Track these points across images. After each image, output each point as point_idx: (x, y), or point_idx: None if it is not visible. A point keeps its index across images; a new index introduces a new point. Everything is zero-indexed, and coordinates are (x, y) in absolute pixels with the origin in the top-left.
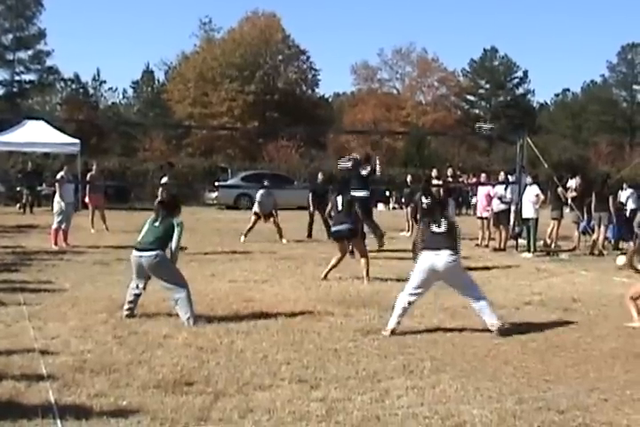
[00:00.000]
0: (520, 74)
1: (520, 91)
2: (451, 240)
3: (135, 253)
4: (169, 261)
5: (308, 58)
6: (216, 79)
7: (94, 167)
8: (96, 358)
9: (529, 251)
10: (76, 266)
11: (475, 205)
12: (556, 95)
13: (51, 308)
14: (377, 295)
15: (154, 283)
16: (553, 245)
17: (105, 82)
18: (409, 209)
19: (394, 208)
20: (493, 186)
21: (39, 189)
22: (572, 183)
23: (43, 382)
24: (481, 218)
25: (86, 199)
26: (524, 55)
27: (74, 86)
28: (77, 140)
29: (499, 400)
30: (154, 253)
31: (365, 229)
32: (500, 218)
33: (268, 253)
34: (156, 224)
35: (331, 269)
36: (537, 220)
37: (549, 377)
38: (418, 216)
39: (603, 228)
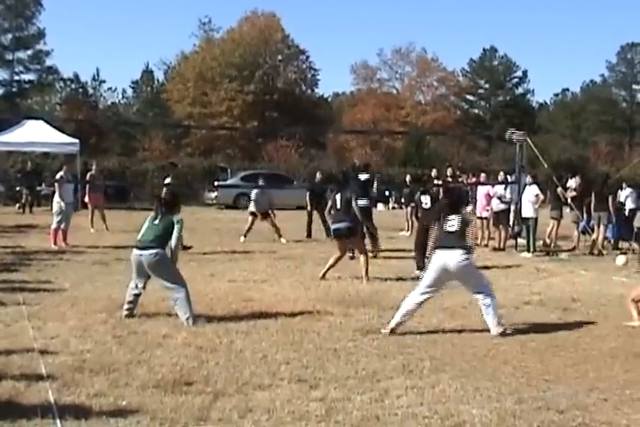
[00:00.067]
0: (519, 74)
1: (519, 90)
2: (463, 239)
3: (135, 251)
4: (169, 260)
5: (308, 58)
6: (215, 79)
7: (94, 167)
8: (95, 357)
9: (528, 251)
10: (76, 266)
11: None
12: (556, 95)
13: (50, 308)
14: (376, 295)
15: (153, 283)
16: (552, 245)
17: (104, 82)
18: (408, 209)
19: (393, 208)
20: (493, 186)
21: (38, 188)
22: (572, 183)
23: (42, 381)
24: (480, 218)
25: (86, 199)
26: (524, 55)
27: (73, 86)
28: (77, 140)
29: (498, 400)
30: (154, 251)
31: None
32: (500, 218)
33: (267, 253)
34: (156, 222)
35: (329, 269)
36: (536, 219)
37: (549, 377)
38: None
39: (602, 227)
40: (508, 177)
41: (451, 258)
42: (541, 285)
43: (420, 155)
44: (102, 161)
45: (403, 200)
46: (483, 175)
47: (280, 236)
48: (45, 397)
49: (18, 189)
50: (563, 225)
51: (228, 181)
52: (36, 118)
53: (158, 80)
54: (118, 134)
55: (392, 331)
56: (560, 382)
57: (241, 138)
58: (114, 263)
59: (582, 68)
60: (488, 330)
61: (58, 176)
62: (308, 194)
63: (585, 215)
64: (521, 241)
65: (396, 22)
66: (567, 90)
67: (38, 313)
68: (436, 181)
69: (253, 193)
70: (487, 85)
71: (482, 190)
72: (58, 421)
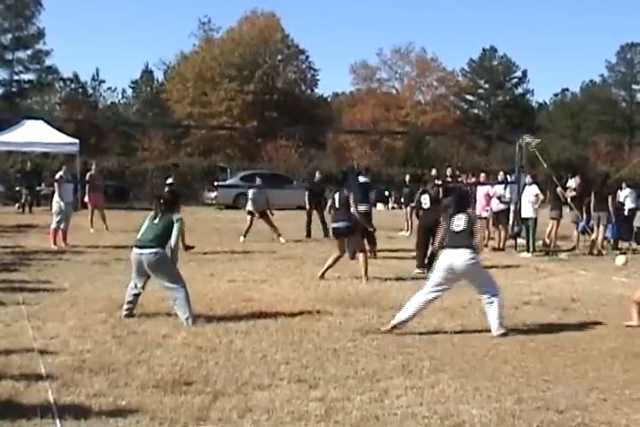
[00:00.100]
0: (519, 74)
1: (519, 90)
2: (470, 239)
3: (135, 250)
4: (169, 260)
5: (307, 57)
6: (215, 79)
7: (93, 167)
8: (95, 357)
9: (528, 251)
10: (75, 266)
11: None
12: (555, 95)
13: (50, 307)
14: (376, 295)
15: (153, 283)
16: (552, 245)
17: (104, 81)
18: (408, 209)
19: (393, 208)
20: (492, 186)
21: (38, 188)
22: (571, 183)
23: (42, 381)
24: (480, 218)
25: (85, 199)
26: (524, 55)
27: (73, 86)
28: (76, 140)
29: (498, 400)
30: (154, 250)
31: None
32: (500, 218)
33: (267, 253)
34: (156, 221)
35: (328, 269)
36: (536, 219)
37: (548, 377)
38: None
39: (602, 227)
40: (508, 177)
41: (457, 257)
42: (541, 285)
43: (420, 155)
44: (102, 161)
45: (402, 200)
46: (482, 175)
47: (279, 235)
48: (45, 397)
49: (17, 188)
50: (562, 225)
51: (228, 181)
52: (36, 118)
53: (158, 80)
54: (118, 134)
55: (392, 328)
56: (560, 382)
57: (240, 138)
58: (113, 263)
59: (582, 68)
60: (488, 330)
61: (57, 176)
62: (307, 194)
63: (584, 215)
64: (520, 241)
65: (396, 22)
66: (567, 90)
67: (38, 313)
68: (435, 181)
69: (251, 192)
70: (487, 85)
71: (481, 190)
72: (57, 421)
